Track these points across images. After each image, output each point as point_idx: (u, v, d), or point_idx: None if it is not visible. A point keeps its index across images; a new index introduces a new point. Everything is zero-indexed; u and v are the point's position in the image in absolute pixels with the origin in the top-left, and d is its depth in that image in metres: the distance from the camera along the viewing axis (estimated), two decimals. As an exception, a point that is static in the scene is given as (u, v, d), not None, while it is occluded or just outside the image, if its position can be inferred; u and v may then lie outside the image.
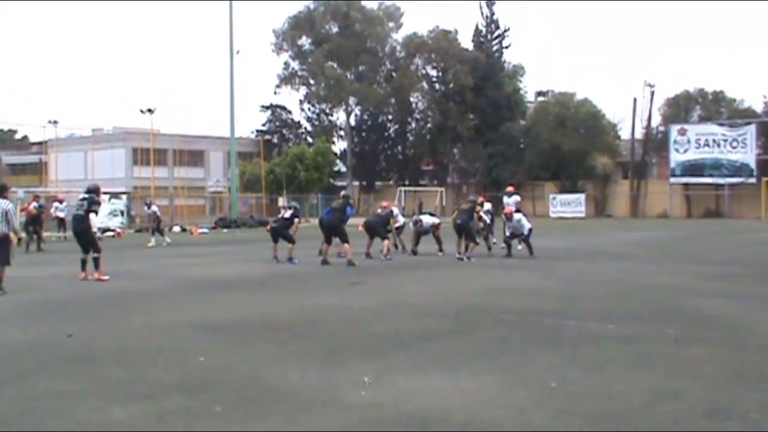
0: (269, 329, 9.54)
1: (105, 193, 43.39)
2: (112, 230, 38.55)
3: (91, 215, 15.36)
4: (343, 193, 22.03)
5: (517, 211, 21.43)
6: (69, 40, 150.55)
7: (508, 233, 21.00)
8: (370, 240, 20.85)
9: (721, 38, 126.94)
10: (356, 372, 7.07)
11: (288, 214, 20.19)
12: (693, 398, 6.19)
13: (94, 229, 15.46)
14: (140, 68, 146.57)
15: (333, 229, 18.98)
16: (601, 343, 8.47)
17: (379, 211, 22.41)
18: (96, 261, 15.27)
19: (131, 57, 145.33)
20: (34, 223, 26.29)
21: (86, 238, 15.36)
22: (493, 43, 70.97)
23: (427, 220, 22.21)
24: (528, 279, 15.29)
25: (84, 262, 15.41)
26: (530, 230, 20.57)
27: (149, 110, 57.70)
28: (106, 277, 15.16)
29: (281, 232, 19.68)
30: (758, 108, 62.99)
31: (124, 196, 44.97)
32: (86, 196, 15.73)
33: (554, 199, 62.66)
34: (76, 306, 11.86)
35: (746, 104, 63.69)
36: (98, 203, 15.92)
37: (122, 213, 42.90)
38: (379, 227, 20.98)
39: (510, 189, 24.89)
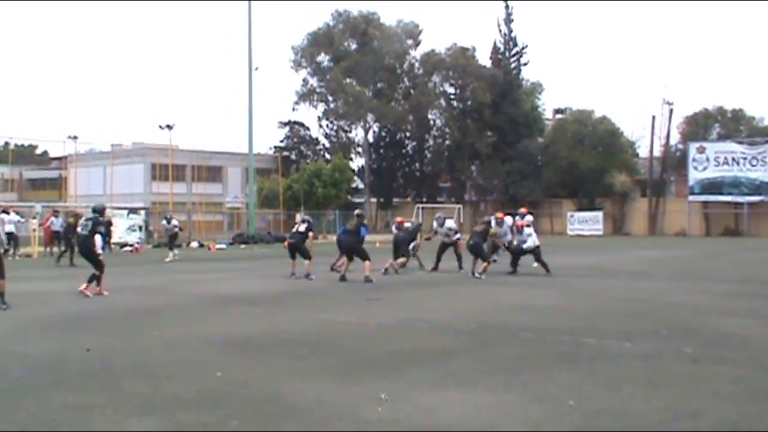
0: (286, 345, 9.55)
1: (123, 208, 43.92)
2: (131, 245, 38.74)
3: (96, 237, 15.62)
4: (357, 211, 21.73)
5: (528, 226, 21.42)
6: (89, 57, 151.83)
7: (515, 243, 21.43)
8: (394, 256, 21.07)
9: (741, 56, 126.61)
10: (373, 388, 7.07)
11: (302, 227, 20.35)
12: (711, 417, 6.15)
13: (99, 251, 15.60)
14: (159, 84, 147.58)
15: (352, 250, 19.17)
16: (619, 361, 8.43)
17: (407, 225, 22.46)
18: (97, 278, 15.29)
19: (150, 73, 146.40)
20: (70, 234, 26.35)
21: (90, 258, 15.48)
22: (511, 60, 70.97)
23: (450, 223, 22.37)
24: (546, 296, 15.24)
25: (95, 277, 15.45)
26: (538, 247, 20.58)
27: (168, 126, 58.01)
28: (106, 293, 15.21)
29: (298, 247, 19.83)
30: (778, 126, 62.71)
31: (142, 212, 45.16)
32: (91, 216, 15.88)
33: (572, 216, 62.46)
34: (94, 320, 11.91)
35: (766, 122, 63.33)
36: (102, 224, 16.07)
37: (140, 228, 43.07)
38: (406, 244, 21.31)
39: (523, 210, 24.43)
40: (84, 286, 15.11)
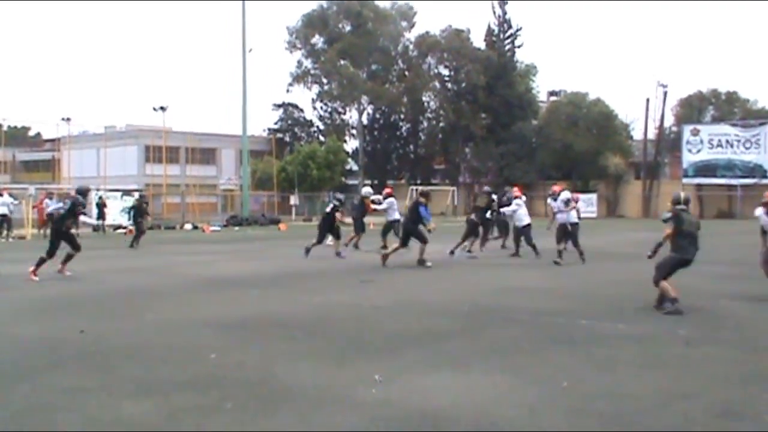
0: (281, 327, 9.55)
1: (117, 190, 43.84)
2: (124, 227, 38.68)
3: (81, 217, 15.53)
4: (421, 189, 20.29)
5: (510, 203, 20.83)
6: (82, 38, 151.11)
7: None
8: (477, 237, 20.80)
9: (735, 39, 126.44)
10: (367, 370, 7.07)
11: (328, 208, 20.62)
12: (705, 399, 6.17)
13: (77, 231, 15.33)
14: (153, 66, 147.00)
15: (406, 232, 18.00)
16: (612, 343, 8.45)
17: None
18: (41, 261, 15.01)
19: (144, 55, 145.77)
20: (139, 218, 26.21)
21: (60, 237, 15.30)
22: (506, 42, 70.89)
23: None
24: (540, 278, 15.25)
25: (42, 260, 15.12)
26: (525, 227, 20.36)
27: (162, 108, 57.85)
28: (36, 278, 14.62)
29: (328, 229, 20.21)
30: (772, 108, 62.77)
31: (136, 194, 45.07)
32: (74, 197, 15.89)
33: (566, 198, 62.40)
34: (87, 302, 11.89)
35: (760, 105, 63.47)
36: (82, 205, 15.75)
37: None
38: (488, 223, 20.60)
39: (555, 189, 20.31)
40: (31, 269, 14.94)
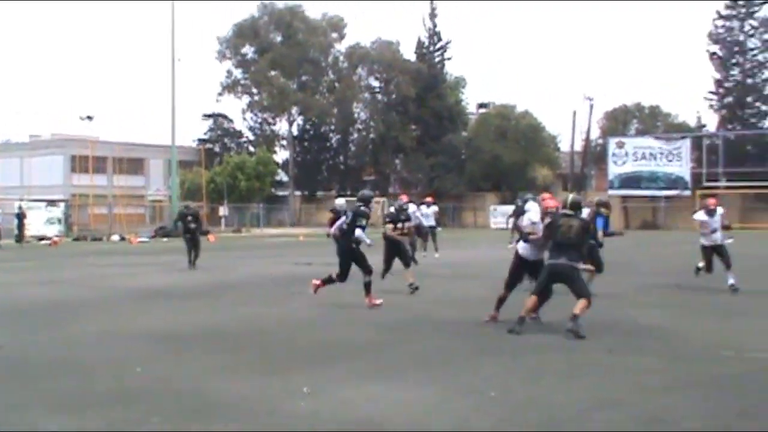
0: (210, 339, 9.46)
1: (41, 200, 42.98)
2: (49, 238, 37.97)
3: (357, 231, 12.46)
4: (598, 200, 15.34)
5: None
6: (5, 44, 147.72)
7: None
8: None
9: (658, 54, 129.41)
10: (296, 382, 7.04)
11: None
12: (629, 407, 6.28)
13: (366, 242, 12.56)
14: (80, 75, 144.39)
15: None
16: (540, 352, 8.55)
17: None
18: (330, 280, 12.94)
19: (70, 63, 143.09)
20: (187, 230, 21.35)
21: (350, 258, 12.76)
22: (435, 54, 71.35)
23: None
24: (468, 288, 15.33)
25: (366, 285, 12.62)
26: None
27: (89, 117, 56.97)
28: (378, 302, 12.57)
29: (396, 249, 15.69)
30: (692, 122, 64.40)
31: (61, 204, 44.29)
32: (355, 208, 13.04)
33: (495, 210, 63.04)
34: (10, 315, 11.62)
35: (680, 119, 65.07)
36: (364, 216, 12.67)
37: (59, 221, 42.22)
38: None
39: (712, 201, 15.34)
40: (367, 299, 12.62)
